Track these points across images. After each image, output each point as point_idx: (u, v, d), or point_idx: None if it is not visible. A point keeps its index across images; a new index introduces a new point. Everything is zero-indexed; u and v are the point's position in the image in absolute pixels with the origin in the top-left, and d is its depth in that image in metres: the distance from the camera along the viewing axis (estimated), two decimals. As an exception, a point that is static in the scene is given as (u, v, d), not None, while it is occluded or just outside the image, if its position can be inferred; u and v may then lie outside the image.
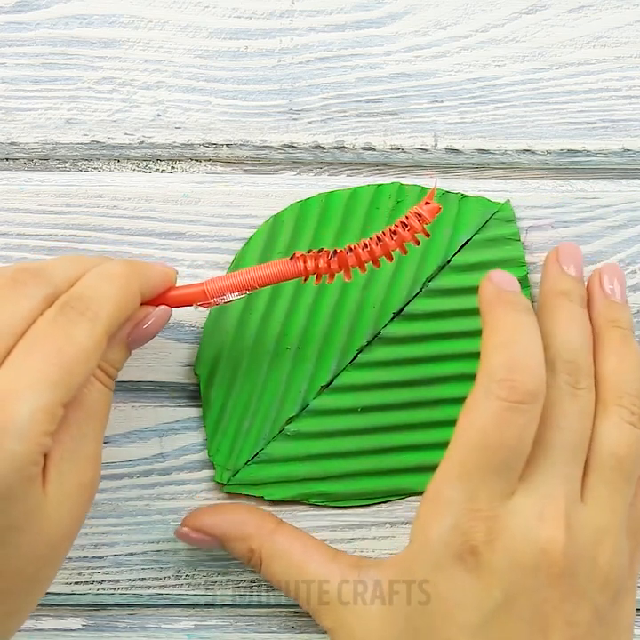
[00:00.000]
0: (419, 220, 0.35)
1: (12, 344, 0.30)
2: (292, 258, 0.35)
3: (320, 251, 0.35)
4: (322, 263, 0.35)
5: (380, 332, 0.39)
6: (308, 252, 0.36)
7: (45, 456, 0.30)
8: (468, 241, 0.40)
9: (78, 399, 0.32)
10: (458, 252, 0.40)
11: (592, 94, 0.40)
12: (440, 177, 0.41)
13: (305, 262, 0.35)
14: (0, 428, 0.28)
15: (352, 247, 0.35)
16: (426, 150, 0.40)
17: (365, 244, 0.35)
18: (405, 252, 0.35)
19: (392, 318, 0.40)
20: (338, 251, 0.35)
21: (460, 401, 0.39)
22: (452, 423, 0.39)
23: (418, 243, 0.35)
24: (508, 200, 0.40)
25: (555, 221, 0.40)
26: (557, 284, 0.37)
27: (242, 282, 0.35)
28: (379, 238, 0.35)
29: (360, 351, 0.39)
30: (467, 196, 0.40)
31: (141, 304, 0.34)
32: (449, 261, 0.40)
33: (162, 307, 0.35)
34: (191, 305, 0.36)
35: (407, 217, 0.35)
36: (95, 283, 0.32)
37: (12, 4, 0.40)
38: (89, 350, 0.31)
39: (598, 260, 0.40)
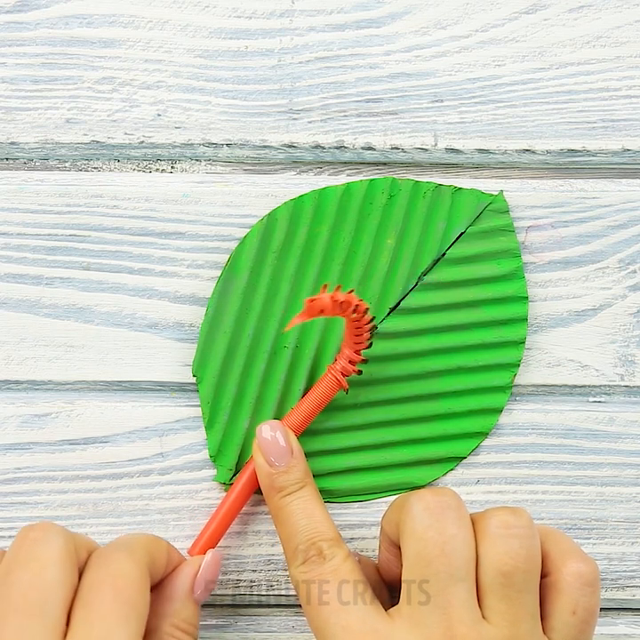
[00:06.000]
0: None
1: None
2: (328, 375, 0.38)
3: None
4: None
5: (376, 328, 0.39)
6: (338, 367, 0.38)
7: None
8: (462, 233, 0.40)
9: None
10: (452, 245, 0.40)
11: (592, 94, 0.40)
12: (440, 176, 0.41)
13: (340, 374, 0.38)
14: None
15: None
16: (426, 150, 0.40)
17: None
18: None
19: (388, 313, 0.40)
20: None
21: (458, 394, 0.40)
22: (449, 416, 0.39)
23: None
24: (502, 191, 0.40)
25: (555, 221, 0.40)
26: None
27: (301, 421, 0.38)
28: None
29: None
30: (460, 188, 0.40)
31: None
32: (444, 254, 0.40)
33: (210, 552, 0.36)
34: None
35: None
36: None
37: (11, 4, 0.40)
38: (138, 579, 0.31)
39: (598, 259, 0.40)
